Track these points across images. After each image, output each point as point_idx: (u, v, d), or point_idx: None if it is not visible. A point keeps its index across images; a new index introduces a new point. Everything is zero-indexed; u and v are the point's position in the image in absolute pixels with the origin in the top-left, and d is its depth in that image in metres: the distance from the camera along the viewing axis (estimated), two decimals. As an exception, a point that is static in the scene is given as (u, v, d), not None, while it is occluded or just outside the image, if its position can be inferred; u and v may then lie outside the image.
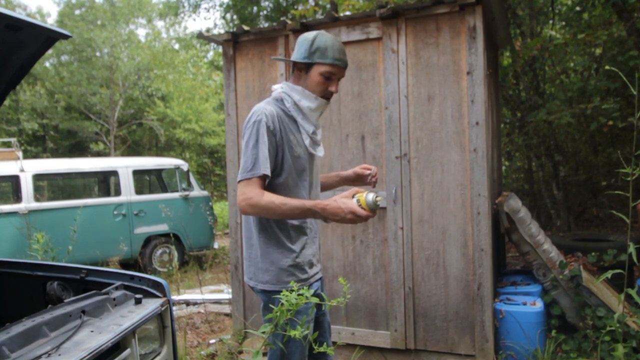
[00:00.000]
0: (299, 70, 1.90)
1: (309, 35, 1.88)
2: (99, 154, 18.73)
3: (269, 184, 1.85)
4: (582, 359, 3.11)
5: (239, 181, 1.78)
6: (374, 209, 1.72)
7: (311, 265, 1.97)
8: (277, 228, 1.88)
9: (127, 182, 6.86)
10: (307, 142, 1.90)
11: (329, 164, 3.51)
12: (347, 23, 3.41)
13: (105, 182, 7.67)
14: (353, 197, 1.75)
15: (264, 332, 1.39)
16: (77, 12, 19.73)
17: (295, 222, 1.88)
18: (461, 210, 3.17)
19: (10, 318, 1.70)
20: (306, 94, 1.87)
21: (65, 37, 1.94)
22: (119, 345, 1.55)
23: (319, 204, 1.76)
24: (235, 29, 3.80)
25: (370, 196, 1.71)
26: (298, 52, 1.88)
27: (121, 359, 1.54)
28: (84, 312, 1.58)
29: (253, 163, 1.76)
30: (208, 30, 15.34)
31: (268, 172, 1.77)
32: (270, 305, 1.89)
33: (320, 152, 1.98)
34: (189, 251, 7.37)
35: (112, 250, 6.45)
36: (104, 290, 1.79)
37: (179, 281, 6.14)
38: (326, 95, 1.89)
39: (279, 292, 1.88)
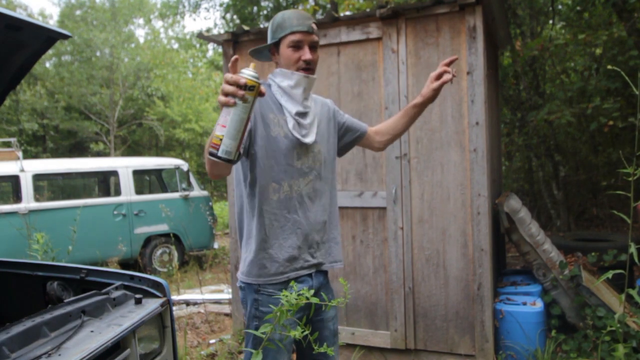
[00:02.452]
0: (274, 54, 1.85)
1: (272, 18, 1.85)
2: (99, 154, 18.73)
3: (245, 168, 1.78)
4: (582, 359, 3.11)
5: None
6: (254, 77, 1.35)
7: (292, 259, 1.79)
8: (250, 214, 1.80)
9: (127, 182, 6.86)
10: (290, 124, 1.79)
11: (329, 164, 3.50)
12: (347, 23, 3.40)
13: (105, 182, 7.68)
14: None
15: (264, 332, 1.39)
16: (77, 12, 19.74)
17: (267, 207, 1.76)
18: (461, 210, 3.17)
19: (10, 318, 1.70)
20: (283, 73, 1.81)
21: (65, 37, 1.94)
22: (119, 345, 1.55)
23: None
24: (235, 29, 3.80)
25: (242, 70, 1.37)
26: (268, 37, 1.86)
27: (121, 359, 1.54)
28: (84, 312, 1.58)
29: None
30: (208, 30, 15.34)
31: None
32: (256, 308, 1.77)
33: (306, 138, 1.82)
34: (189, 251, 7.37)
35: (112, 250, 6.45)
36: (104, 290, 1.78)
37: (179, 281, 6.14)
38: (301, 67, 1.78)
39: (248, 284, 1.80)
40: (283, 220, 1.78)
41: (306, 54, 1.77)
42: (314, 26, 1.80)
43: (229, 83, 1.33)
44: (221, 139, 1.34)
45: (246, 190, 1.80)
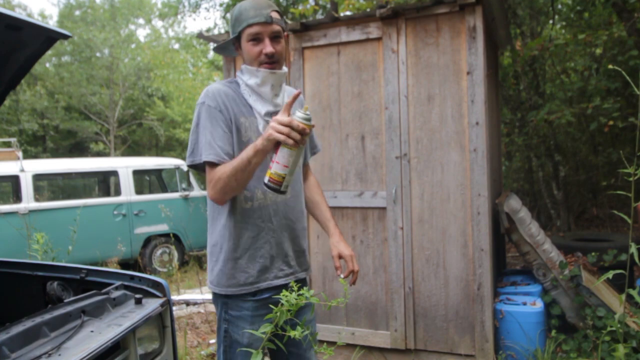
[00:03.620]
0: (238, 49, 1.72)
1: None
2: (99, 154, 18.73)
3: None
4: (582, 359, 3.11)
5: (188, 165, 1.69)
6: (309, 121, 1.49)
7: (264, 269, 1.70)
8: (218, 222, 1.72)
9: (127, 182, 6.86)
10: (260, 126, 1.68)
11: (329, 164, 3.51)
12: (347, 23, 3.40)
13: (105, 182, 7.68)
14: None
15: (264, 333, 1.39)
16: (76, 12, 19.76)
17: (237, 215, 1.68)
18: (461, 210, 3.17)
19: (10, 318, 1.70)
20: (249, 70, 1.67)
21: (65, 37, 1.94)
22: (119, 345, 1.55)
23: (259, 141, 1.51)
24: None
25: (298, 114, 1.48)
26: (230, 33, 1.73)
27: (121, 359, 1.54)
28: (84, 312, 1.58)
29: (192, 149, 1.65)
30: (208, 30, 15.34)
31: (210, 157, 1.60)
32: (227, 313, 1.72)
33: None
34: (189, 251, 7.37)
35: (112, 250, 6.45)
36: (104, 290, 1.79)
37: (179, 281, 6.14)
38: (263, 61, 1.64)
39: (219, 295, 1.74)
40: (256, 229, 1.69)
41: (267, 47, 1.62)
42: (274, 14, 1.64)
43: (295, 130, 1.43)
44: (284, 177, 1.50)
45: None
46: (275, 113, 1.69)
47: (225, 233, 1.71)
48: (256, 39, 1.63)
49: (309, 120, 1.47)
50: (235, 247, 1.70)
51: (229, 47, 1.77)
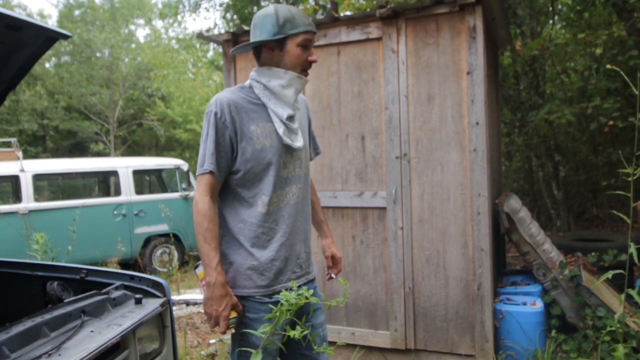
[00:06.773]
0: (271, 49, 1.70)
1: (267, 10, 1.69)
2: (99, 154, 18.74)
3: (228, 180, 1.71)
4: (582, 359, 3.11)
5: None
6: (234, 322, 1.69)
7: (279, 272, 1.73)
8: (232, 224, 1.72)
9: (127, 182, 6.86)
10: (280, 130, 1.68)
11: (329, 164, 3.51)
12: (347, 23, 3.40)
13: (105, 182, 7.69)
14: (231, 313, 1.67)
15: (263, 332, 1.39)
16: (76, 12, 19.77)
17: (253, 219, 1.70)
18: (461, 210, 3.17)
19: (10, 318, 1.70)
20: (273, 72, 1.69)
21: (65, 37, 1.94)
22: (119, 345, 1.55)
23: (213, 275, 1.60)
24: (235, 29, 3.79)
25: (231, 319, 1.66)
26: (264, 31, 1.68)
27: (121, 359, 1.54)
28: (84, 312, 1.58)
29: (203, 158, 1.66)
30: (208, 30, 15.34)
31: (212, 167, 1.64)
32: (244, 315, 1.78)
33: (296, 142, 1.73)
34: (189, 251, 7.38)
35: (112, 250, 6.45)
36: (104, 290, 1.79)
37: (179, 281, 6.14)
38: (306, 68, 1.71)
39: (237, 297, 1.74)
40: (271, 232, 1.72)
41: (313, 55, 1.71)
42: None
43: (215, 323, 1.65)
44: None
45: (231, 201, 1.73)
46: (293, 117, 1.73)
47: (240, 235, 1.71)
48: (307, 45, 1.70)
49: (234, 323, 1.68)
50: (251, 250, 1.71)
51: (248, 47, 1.77)
